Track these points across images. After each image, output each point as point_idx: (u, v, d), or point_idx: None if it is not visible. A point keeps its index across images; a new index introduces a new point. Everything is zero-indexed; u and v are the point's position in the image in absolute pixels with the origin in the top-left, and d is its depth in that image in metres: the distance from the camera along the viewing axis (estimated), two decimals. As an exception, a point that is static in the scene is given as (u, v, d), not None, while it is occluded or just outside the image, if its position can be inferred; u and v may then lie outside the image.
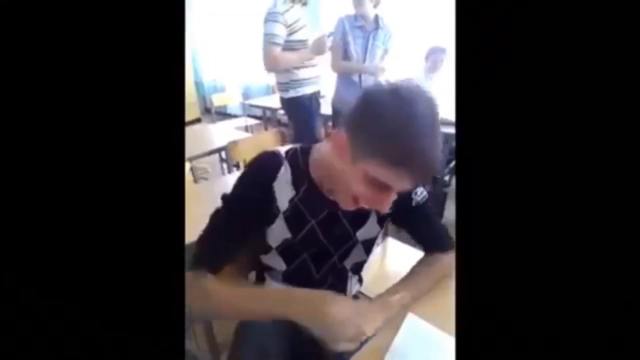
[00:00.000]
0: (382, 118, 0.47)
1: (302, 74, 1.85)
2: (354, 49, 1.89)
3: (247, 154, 1.80)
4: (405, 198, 0.66)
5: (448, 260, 0.74)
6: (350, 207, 0.57)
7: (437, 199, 2.04)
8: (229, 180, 1.55)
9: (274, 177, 0.62)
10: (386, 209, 0.54)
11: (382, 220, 0.72)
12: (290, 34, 1.74)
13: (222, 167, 2.15)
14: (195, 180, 1.65)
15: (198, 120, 4.26)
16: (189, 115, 3.98)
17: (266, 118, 3.13)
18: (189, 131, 2.42)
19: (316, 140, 1.49)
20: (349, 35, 1.87)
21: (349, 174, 0.52)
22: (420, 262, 0.76)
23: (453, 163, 2.35)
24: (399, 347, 0.58)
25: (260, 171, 0.63)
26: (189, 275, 0.58)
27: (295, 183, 0.63)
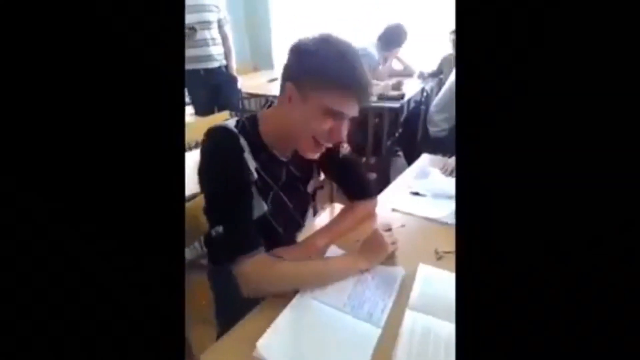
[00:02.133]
0: (321, 53, 0.58)
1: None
2: None
3: (197, 136, 1.81)
4: (333, 152, 0.76)
5: (372, 204, 0.89)
6: (314, 153, 0.65)
7: (383, 170, 2.22)
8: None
9: (240, 148, 0.64)
10: (342, 138, 0.63)
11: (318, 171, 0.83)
12: None
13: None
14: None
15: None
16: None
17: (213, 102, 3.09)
18: None
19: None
20: None
21: (305, 116, 0.60)
22: (346, 208, 0.89)
23: (396, 135, 2.53)
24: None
25: (224, 146, 0.64)
26: (246, 261, 0.61)
27: (254, 152, 0.66)
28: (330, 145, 0.67)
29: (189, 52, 2.10)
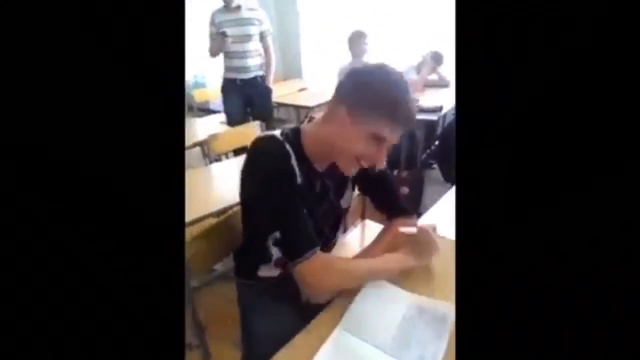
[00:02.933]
0: (376, 83, 0.63)
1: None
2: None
3: (228, 146, 1.82)
4: (371, 169, 0.78)
5: (411, 222, 0.86)
6: (352, 170, 0.69)
7: (416, 184, 2.11)
8: (213, 171, 1.57)
9: (288, 154, 0.66)
10: (383, 162, 0.68)
11: (352, 188, 0.85)
12: None
13: (204, 161, 2.16)
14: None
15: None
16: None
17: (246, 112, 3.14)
18: None
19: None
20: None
21: (352, 138, 0.64)
22: (385, 228, 0.88)
23: (432, 147, 2.42)
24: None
25: (273, 152, 0.67)
26: (307, 261, 0.64)
27: (298, 162, 0.68)
28: (368, 167, 0.69)
29: (228, 63, 2.23)
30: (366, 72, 0.66)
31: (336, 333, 0.60)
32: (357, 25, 2.49)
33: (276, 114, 2.71)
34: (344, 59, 2.42)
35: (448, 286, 0.70)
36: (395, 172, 2.12)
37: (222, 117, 3.06)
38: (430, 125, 2.14)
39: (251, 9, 2.18)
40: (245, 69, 2.24)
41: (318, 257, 0.65)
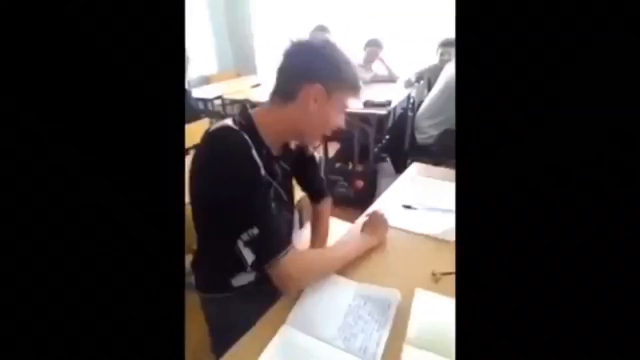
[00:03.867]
0: (338, 56, 0.66)
1: None
2: None
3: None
4: (302, 150, 0.86)
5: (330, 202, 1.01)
6: (318, 143, 0.75)
7: (370, 177, 2.17)
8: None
9: (248, 147, 0.62)
10: (343, 125, 0.72)
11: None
12: None
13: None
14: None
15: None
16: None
17: (201, 110, 3.04)
18: None
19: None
20: None
21: (328, 112, 0.67)
22: (320, 214, 1.00)
23: (383, 141, 2.50)
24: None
25: (234, 146, 0.62)
26: (283, 259, 0.63)
27: (256, 150, 0.64)
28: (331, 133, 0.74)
29: None
30: (318, 46, 0.66)
31: (282, 330, 0.60)
32: (312, 19, 2.50)
33: (231, 110, 2.65)
34: None
35: (396, 272, 0.73)
36: (350, 165, 2.17)
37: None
38: (381, 120, 2.20)
39: None
40: None
41: (295, 255, 0.64)
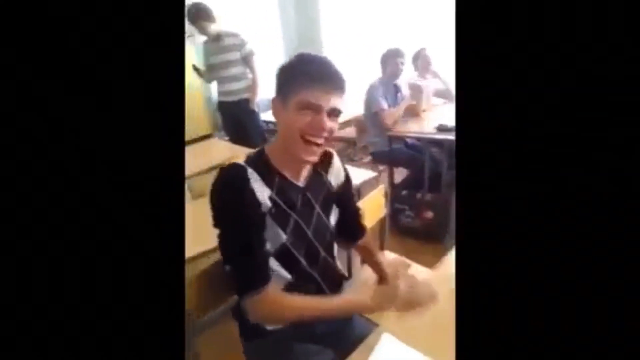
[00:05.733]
0: (294, 61, 0.68)
1: None
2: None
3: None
4: (348, 186, 0.85)
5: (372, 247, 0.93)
6: (308, 154, 0.67)
7: (441, 207, 1.99)
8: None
9: (246, 180, 0.66)
10: (325, 128, 0.66)
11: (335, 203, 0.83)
12: None
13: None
14: (194, 197, 1.67)
15: (209, 136, 4.35)
16: (200, 131, 4.07)
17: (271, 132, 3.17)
18: (198, 147, 2.47)
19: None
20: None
21: (288, 116, 0.66)
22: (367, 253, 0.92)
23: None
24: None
25: (230, 180, 0.67)
26: (255, 297, 0.65)
27: (267, 180, 0.68)
28: (319, 140, 0.68)
29: (219, 87, 2.48)
30: (286, 63, 0.69)
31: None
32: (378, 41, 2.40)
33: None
34: (372, 76, 2.36)
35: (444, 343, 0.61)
36: (419, 195, 2.03)
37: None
38: (452, 144, 2.04)
39: (230, 35, 2.32)
40: (229, 93, 2.43)
41: (265, 295, 0.65)
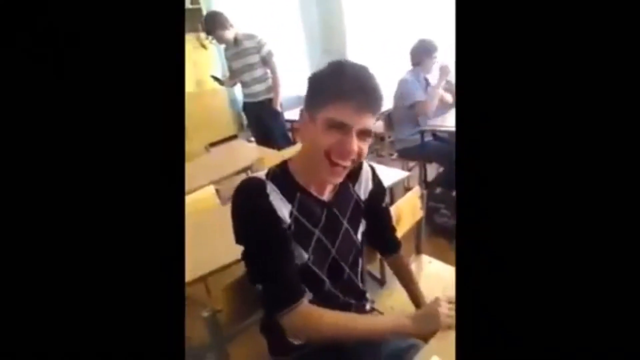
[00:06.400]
0: (324, 75, 0.61)
1: None
2: None
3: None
4: (378, 196, 0.78)
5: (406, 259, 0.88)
6: (333, 175, 0.62)
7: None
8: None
9: (265, 195, 0.62)
10: (353, 150, 0.59)
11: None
12: None
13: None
14: (223, 202, 1.65)
15: (234, 137, 4.38)
16: (225, 132, 4.11)
17: (294, 131, 3.11)
18: (224, 148, 2.48)
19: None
20: None
21: (315, 134, 0.60)
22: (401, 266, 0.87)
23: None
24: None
25: (248, 196, 0.63)
26: (292, 312, 0.61)
27: (288, 195, 0.64)
28: (346, 163, 0.62)
29: (243, 90, 2.49)
30: (318, 72, 0.63)
31: None
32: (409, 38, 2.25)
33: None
34: (401, 69, 2.21)
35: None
36: (454, 192, 1.91)
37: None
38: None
39: (248, 38, 2.30)
40: (253, 95, 2.43)
41: (302, 310, 0.61)
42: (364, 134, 0.61)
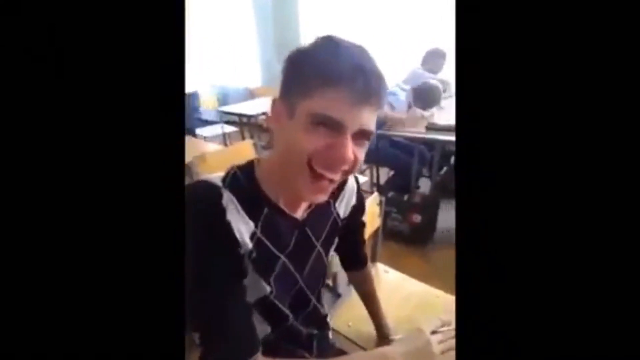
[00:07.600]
0: (313, 51, 0.43)
1: None
2: None
3: (219, 170, 1.59)
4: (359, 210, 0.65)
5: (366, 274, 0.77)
6: (317, 192, 0.45)
7: (429, 210, 1.90)
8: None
9: (221, 210, 0.45)
10: (349, 156, 0.42)
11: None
12: None
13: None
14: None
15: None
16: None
17: (242, 125, 2.94)
18: (233, 149, 2.16)
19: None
20: None
21: (293, 133, 0.42)
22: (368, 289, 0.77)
23: (445, 168, 2.21)
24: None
25: (198, 209, 0.44)
26: None
27: (251, 211, 0.48)
28: (334, 176, 0.44)
29: None
30: (301, 48, 0.44)
31: None
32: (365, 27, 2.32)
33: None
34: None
35: None
36: (406, 197, 1.91)
37: (214, 129, 2.85)
38: (445, 146, 1.93)
39: None
40: None
41: None
42: (362, 135, 0.43)
